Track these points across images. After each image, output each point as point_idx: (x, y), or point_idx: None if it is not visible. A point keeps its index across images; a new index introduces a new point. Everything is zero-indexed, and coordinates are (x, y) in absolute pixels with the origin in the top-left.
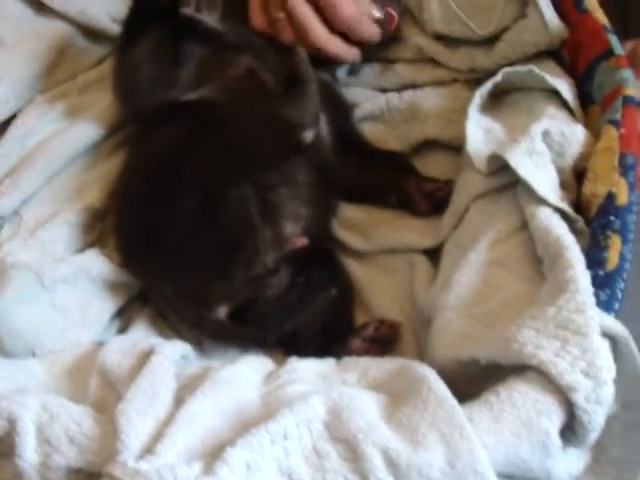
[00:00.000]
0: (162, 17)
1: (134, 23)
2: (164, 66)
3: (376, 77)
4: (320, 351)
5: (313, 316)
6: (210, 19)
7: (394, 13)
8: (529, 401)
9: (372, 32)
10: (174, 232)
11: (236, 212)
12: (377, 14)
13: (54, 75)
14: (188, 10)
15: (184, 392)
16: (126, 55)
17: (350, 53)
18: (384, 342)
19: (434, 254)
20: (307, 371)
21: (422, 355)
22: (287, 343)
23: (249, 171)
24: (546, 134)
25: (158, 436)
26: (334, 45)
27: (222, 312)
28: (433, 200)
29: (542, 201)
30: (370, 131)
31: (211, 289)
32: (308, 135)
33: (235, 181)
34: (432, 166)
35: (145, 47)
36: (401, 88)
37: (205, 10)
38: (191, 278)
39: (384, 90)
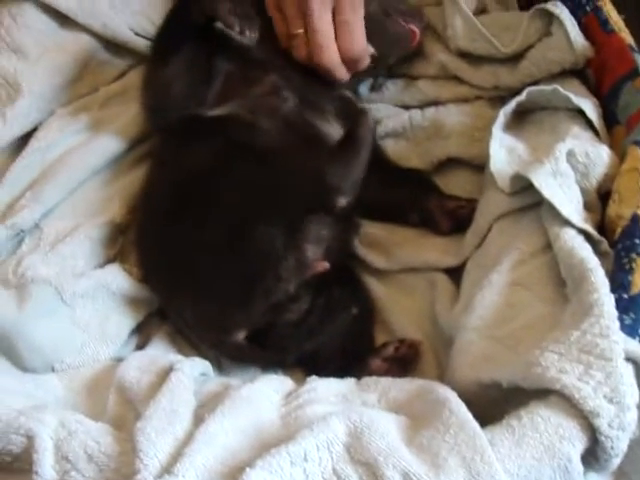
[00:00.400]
0: (197, 33)
1: (169, 37)
2: (197, 83)
3: (399, 93)
4: (340, 371)
5: (333, 335)
6: (245, 38)
7: (416, 29)
8: (551, 426)
9: (365, 66)
10: (197, 256)
11: (262, 245)
12: (371, 50)
13: (76, 88)
14: (223, 27)
15: (203, 410)
16: (159, 69)
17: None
18: (404, 362)
19: (455, 273)
20: (327, 391)
21: (442, 375)
22: (307, 362)
23: (279, 214)
24: (571, 155)
25: (177, 455)
26: (341, 71)
27: (240, 336)
28: (455, 218)
29: (566, 222)
30: (392, 148)
31: (230, 316)
32: (342, 201)
33: (264, 219)
34: (454, 184)
35: (180, 63)
36: (424, 105)
37: (247, 31)
38: (211, 304)
39: (406, 107)
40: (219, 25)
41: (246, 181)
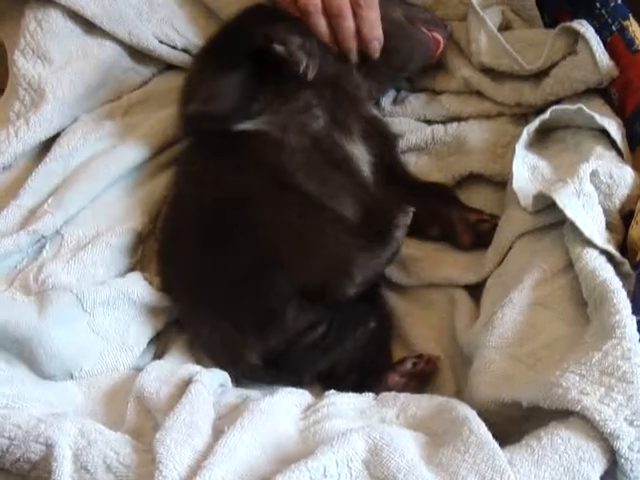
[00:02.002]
0: (254, 52)
1: (224, 52)
2: (247, 99)
3: (421, 107)
4: (357, 385)
5: (351, 350)
6: (306, 74)
7: (440, 38)
8: (571, 447)
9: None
10: (219, 277)
11: (284, 277)
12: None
13: (99, 95)
14: (286, 56)
15: (222, 423)
16: (210, 80)
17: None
18: (422, 377)
19: (475, 289)
20: (346, 405)
21: (460, 391)
22: (324, 377)
23: (299, 267)
24: (594, 175)
25: (196, 468)
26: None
27: (255, 357)
28: (476, 232)
29: (588, 242)
30: (414, 163)
31: (246, 340)
32: (351, 292)
33: (285, 269)
34: (475, 200)
35: (233, 78)
36: (446, 120)
37: (310, 68)
38: (228, 326)
39: (428, 121)
40: (279, 51)
41: (277, 217)
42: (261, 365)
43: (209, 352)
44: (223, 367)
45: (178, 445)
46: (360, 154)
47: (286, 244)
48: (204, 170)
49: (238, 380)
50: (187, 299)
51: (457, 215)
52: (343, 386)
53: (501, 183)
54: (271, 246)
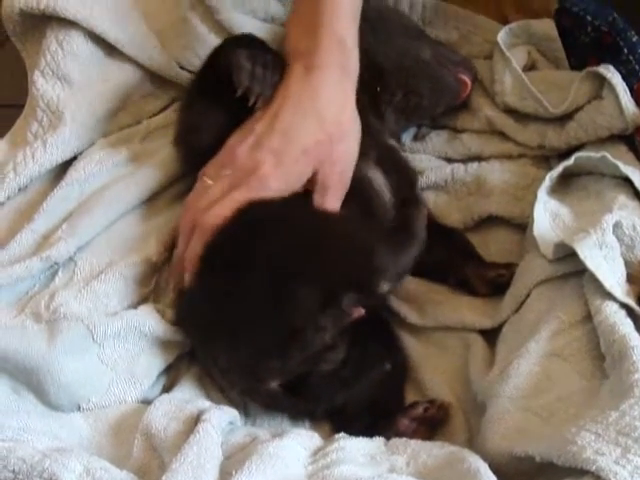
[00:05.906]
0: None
1: (201, 84)
2: (222, 134)
3: (442, 145)
4: (367, 427)
5: (364, 390)
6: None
7: (467, 80)
8: None
9: None
10: (236, 303)
11: (301, 297)
12: None
13: (118, 119)
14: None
15: (230, 464)
16: (189, 115)
17: None
18: (433, 423)
19: (490, 333)
20: (355, 451)
21: (472, 438)
22: (335, 417)
23: (320, 279)
24: (617, 226)
25: None
26: None
27: (274, 384)
28: (493, 285)
29: (608, 295)
30: (433, 201)
31: (266, 364)
32: (384, 288)
33: (304, 279)
34: (493, 242)
35: (208, 112)
36: (466, 159)
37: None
38: (247, 352)
39: (449, 159)
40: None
41: (292, 244)
42: (279, 392)
43: (225, 380)
44: (238, 396)
45: None
46: (377, 178)
47: (307, 251)
48: None
49: (247, 414)
50: (203, 328)
51: (473, 270)
52: (354, 427)
53: (520, 226)
54: (290, 258)
